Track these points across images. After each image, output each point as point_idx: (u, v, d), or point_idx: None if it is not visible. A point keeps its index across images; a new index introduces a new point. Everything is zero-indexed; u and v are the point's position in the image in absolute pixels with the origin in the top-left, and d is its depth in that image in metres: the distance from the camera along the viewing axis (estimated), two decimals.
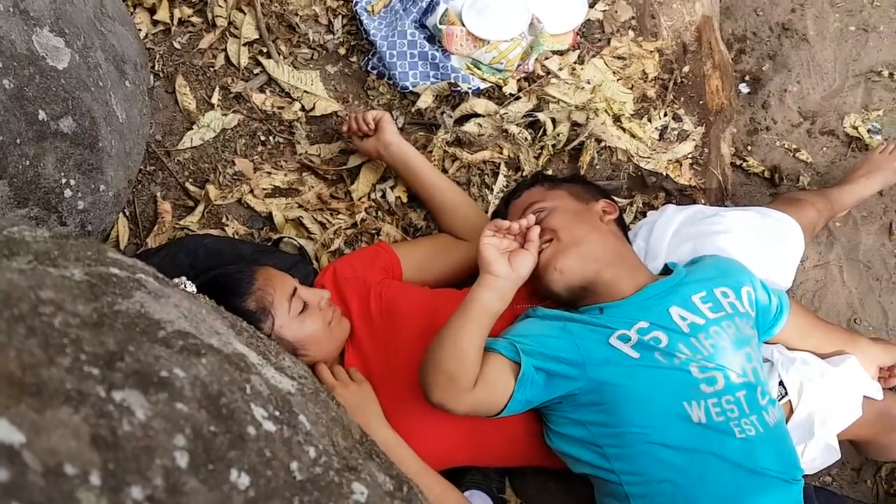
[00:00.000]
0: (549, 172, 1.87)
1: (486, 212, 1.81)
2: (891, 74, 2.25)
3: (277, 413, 0.70)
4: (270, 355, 0.88)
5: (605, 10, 2.03)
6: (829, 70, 2.28)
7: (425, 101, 1.92)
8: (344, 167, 1.90)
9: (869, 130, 2.18)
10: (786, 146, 2.18)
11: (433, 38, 1.97)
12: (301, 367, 0.96)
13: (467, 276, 1.70)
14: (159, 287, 0.80)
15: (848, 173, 2.03)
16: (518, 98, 1.93)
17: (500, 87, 1.94)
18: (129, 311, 0.69)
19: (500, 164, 1.88)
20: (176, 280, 1.39)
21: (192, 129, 1.93)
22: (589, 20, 2.02)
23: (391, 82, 1.96)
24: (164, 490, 0.55)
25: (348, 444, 0.80)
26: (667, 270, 1.54)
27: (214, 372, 0.67)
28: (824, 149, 2.18)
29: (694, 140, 1.92)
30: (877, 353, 1.64)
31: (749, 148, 2.19)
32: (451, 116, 1.92)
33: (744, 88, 2.26)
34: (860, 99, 2.24)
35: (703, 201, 1.88)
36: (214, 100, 1.96)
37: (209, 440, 0.60)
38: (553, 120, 1.89)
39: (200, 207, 1.85)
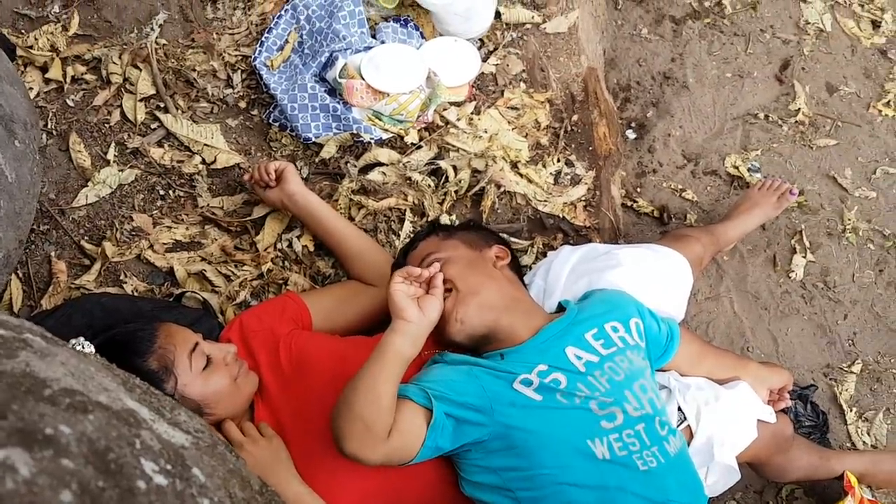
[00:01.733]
0: (453, 217, 1.92)
1: (394, 257, 1.83)
2: (766, 116, 2.42)
3: (169, 467, 0.69)
4: (165, 411, 0.86)
5: (497, 64, 2.12)
6: (710, 114, 2.44)
7: (329, 151, 1.95)
8: (248, 218, 1.89)
9: (749, 169, 2.33)
10: (672, 187, 2.31)
11: (334, 91, 2.01)
12: (198, 421, 0.95)
13: (378, 321, 1.71)
14: (46, 346, 0.78)
15: (730, 210, 2.16)
16: (420, 147, 1.98)
17: (401, 137, 1.99)
18: (14, 371, 0.67)
19: (405, 210, 1.91)
20: (73, 341, 1.34)
21: (87, 185, 1.89)
22: (483, 73, 2.11)
23: (294, 134, 1.98)
24: None
25: (246, 495, 0.79)
26: (561, 308, 1.59)
27: (102, 428, 0.66)
28: (708, 188, 2.32)
29: (586, 184, 2.02)
30: (766, 376, 1.72)
31: (638, 189, 2.31)
32: (355, 166, 1.95)
33: (630, 134, 2.39)
34: (739, 140, 2.40)
35: (597, 240, 1.96)
36: (110, 156, 1.92)
37: (97, 495, 0.59)
38: (454, 167, 1.95)
39: (97, 265, 1.81)
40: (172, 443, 0.75)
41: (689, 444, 1.54)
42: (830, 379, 2.07)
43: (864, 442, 1.99)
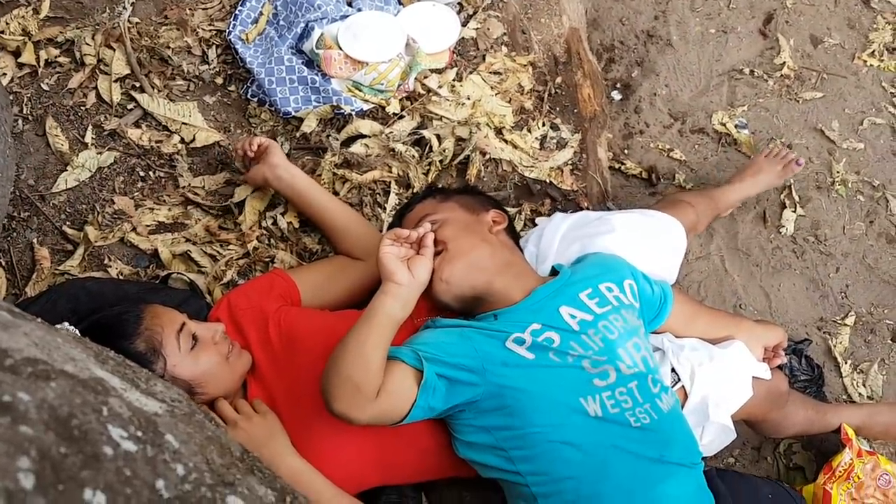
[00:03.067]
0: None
1: (381, 230, 1.82)
2: (751, 72, 2.40)
3: (140, 433, 0.68)
4: (140, 381, 0.85)
5: (477, 28, 2.09)
6: (695, 72, 2.41)
7: (309, 126, 1.92)
8: (230, 201, 1.87)
9: (736, 126, 2.31)
10: (660, 147, 2.28)
11: (311, 62, 1.97)
12: (175, 391, 0.94)
13: (366, 295, 1.69)
14: (11, 319, 0.77)
15: (735, 174, 2.11)
16: (402, 117, 1.95)
17: (383, 108, 1.96)
18: None
19: (390, 182, 1.89)
20: (58, 326, 1.33)
21: (66, 170, 1.86)
22: (463, 38, 2.07)
23: (273, 109, 1.95)
24: None
25: (225, 461, 0.78)
26: (555, 272, 1.59)
27: (65, 395, 0.65)
28: (696, 146, 2.30)
29: (572, 147, 2.00)
30: (760, 333, 1.71)
31: (626, 151, 2.28)
32: (336, 139, 1.92)
33: (616, 95, 2.36)
34: (725, 97, 2.37)
35: (585, 204, 1.94)
36: (88, 139, 1.90)
37: (58, 461, 0.57)
38: (438, 136, 1.93)
39: (80, 250, 1.79)
40: (144, 410, 0.74)
41: (683, 406, 1.53)
42: (824, 332, 2.06)
43: (860, 394, 1.99)
